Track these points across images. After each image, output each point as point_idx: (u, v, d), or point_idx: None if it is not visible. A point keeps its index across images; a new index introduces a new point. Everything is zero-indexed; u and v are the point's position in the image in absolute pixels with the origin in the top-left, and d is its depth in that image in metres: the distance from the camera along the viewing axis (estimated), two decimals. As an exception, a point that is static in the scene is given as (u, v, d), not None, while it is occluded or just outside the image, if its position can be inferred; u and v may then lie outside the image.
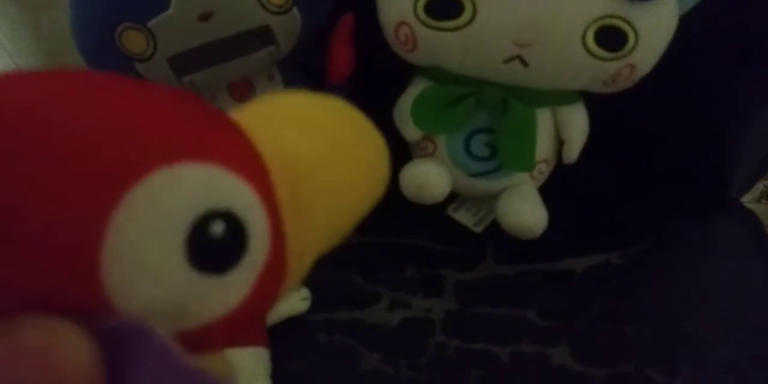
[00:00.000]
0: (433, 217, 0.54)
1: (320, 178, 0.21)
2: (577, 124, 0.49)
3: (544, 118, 0.48)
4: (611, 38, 0.41)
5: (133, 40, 0.43)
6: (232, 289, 0.16)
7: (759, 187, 0.86)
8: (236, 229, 0.16)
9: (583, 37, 0.41)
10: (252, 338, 0.46)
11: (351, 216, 0.24)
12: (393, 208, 0.55)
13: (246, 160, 0.17)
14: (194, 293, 0.15)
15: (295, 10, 0.46)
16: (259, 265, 0.17)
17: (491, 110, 0.48)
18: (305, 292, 0.49)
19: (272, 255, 0.17)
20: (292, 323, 0.49)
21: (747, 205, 0.60)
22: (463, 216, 0.55)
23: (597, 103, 0.49)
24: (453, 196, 0.53)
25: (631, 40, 0.42)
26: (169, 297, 0.15)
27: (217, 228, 0.15)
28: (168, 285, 0.15)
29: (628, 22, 0.41)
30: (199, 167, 0.16)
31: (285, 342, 0.48)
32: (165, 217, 0.15)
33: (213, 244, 0.15)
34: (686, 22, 0.43)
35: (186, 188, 0.15)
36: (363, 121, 0.24)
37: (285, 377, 0.46)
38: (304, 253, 0.21)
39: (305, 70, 0.54)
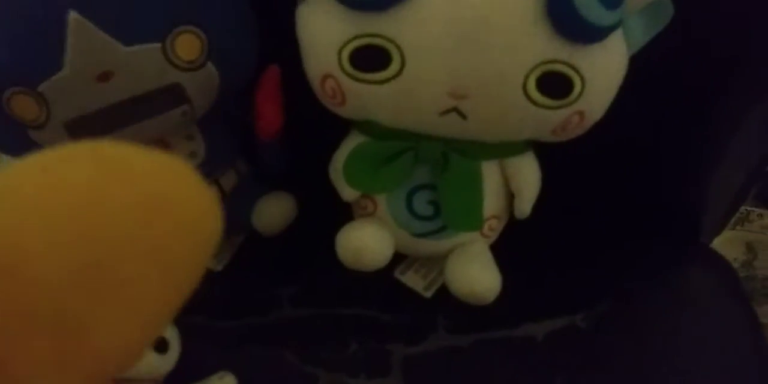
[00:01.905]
0: (378, 280, 0.49)
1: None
2: (527, 176, 0.45)
3: (490, 170, 0.44)
4: (555, 85, 0.38)
5: (23, 106, 0.38)
6: None
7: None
8: None
9: (524, 85, 0.37)
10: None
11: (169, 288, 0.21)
12: (333, 273, 0.51)
13: None
14: None
15: (209, 65, 0.42)
16: None
17: (432, 165, 0.43)
18: (229, 380, 0.44)
19: None
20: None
21: (724, 232, 0.56)
22: (411, 279, 0.50)
23: (548, 150, 0.45)
24: (400, 257, 0.48)
25: (578, 86, 0.38)
26: None
27: None
28: None
29: (572, 67, 0.37)
30: None
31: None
32: None
33: None
34: (640, 61, 0.40)
35: None
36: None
37: None
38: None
39: (230, 127, 0.49)
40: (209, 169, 0.48)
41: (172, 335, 0.43)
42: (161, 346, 0.41)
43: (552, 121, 0.39)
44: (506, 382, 0.43)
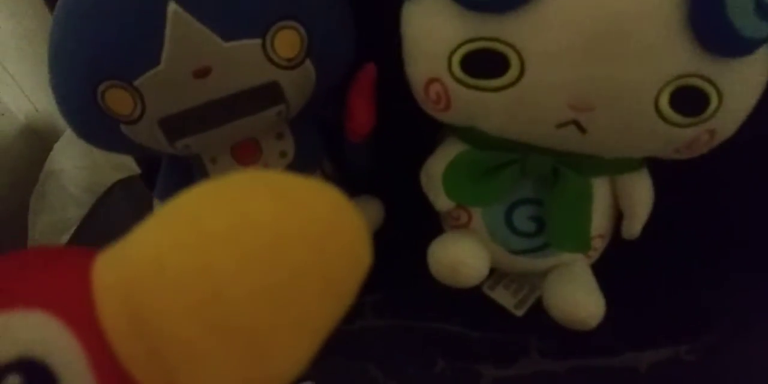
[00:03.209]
0: (465, 294, 0.47)
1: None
2: (640, 194, 0.42)
3: (601, 188, 0.41)
4: (690, 101, 0.34)
5: (118, 100, 0.37)
6: None
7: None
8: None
9: (656, 100, 0.34)
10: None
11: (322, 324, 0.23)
12: (418, 283, 0.49)
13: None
14: None
15: (307, 62, 0.39)
16: None
17: (539, 180, 0.40)
18: (315, 392, 0.42)
19: None
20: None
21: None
22: (501, 295, 0.47)
23: (661, 166, 0.41)
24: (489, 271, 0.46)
25: (713, 103, 0.34)
26: None
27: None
28: None
29: (711, 82, 0.34)
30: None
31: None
32: None
33: None
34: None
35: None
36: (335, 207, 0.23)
37: None
38: None
39: (320, 128, 0.47)
40: (297, 169, 0.46)
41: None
42: None
43: (679, 139, 0.36)
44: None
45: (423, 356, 0.44)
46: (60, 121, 0.58)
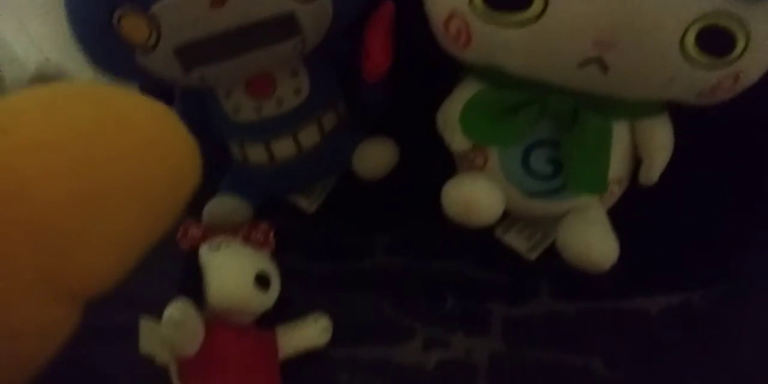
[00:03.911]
0: (477, 239, 0.47)
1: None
2: (661, 140, 0.41)
3: (620, 132, 0.40)
4: (717, 41, 0.33)
5: (134, 28, 0.36)
6: None
7: None
8: None
9: (682, 38, 0.33)
10: (261, 378, 0.40)
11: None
12: (429, 225, 0.48)
13: None
14: None
15: (325, -5, 0.39)
16: None
17: (558, 121, 0.40)
18: (325, 322, 0.43)
19: None
20: (308, 359, 0.42)
21: None
22: (514, 240, 0.47)
23: (681, 112, 0.40)
24: (502, 216, 0.45)
25: (740, 45, 0.33)
26: None
27: None
28: None
29: (740, 22, 0.32)
30: None
31: (300, 381, 0.41)
32: None
33: None
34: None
35: None
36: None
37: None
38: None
39: (335, 66, 0.47)
40: (311, 107, 0.46)
41: (273, 273, 0.42)
42: (263, 283, 0.40)
43: (703, 81, 0.35)
44: (615, 353, 0.40)
45: (433, 294, 0.45)
46: (69, 71, 0.57)
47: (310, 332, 0.42)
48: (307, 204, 0.51)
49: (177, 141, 0.24)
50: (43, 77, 0.77)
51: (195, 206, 0.48)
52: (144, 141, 0.23)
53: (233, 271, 0.40)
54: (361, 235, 0.48)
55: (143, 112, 0.24)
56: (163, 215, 0.25)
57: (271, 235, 0.44)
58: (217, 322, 0.40)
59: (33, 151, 0.21)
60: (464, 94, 0.41)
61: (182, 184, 0.25)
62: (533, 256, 0.46)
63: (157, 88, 0.51)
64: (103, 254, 0.23)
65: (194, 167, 0.25)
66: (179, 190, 0.25)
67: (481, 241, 0.47)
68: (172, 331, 0.37)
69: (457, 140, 0.42)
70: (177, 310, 0.37)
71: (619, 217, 0.42)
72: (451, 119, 0.42)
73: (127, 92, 0.24)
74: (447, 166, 0.46)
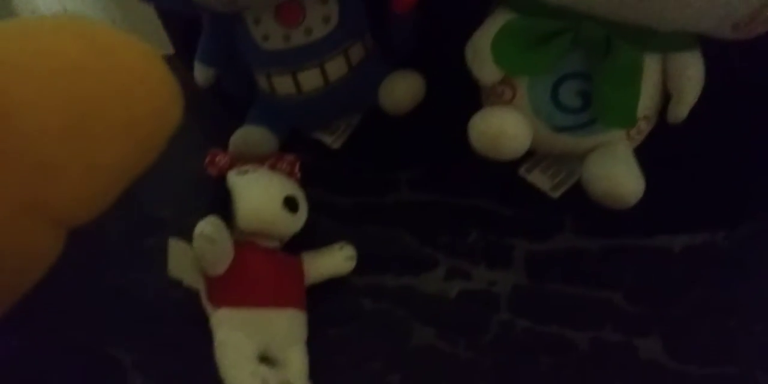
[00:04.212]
0: (501, 177, 0.47)
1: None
2: (691, 76, 0.40)
3: (652, 65, 0.40)
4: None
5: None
6: None
7: None
8: None
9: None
10: (288, 299, 0.40)
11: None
12: (454, 161, 0.49)
13: None
14: None
15: None
16: None
17: (589, 51, 0.40)
18: (350, 251, 0.43)
19: None
20: (333, 285, 0.43)
21: None
22: (538, 178, 0.47)
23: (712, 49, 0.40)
24: (526, 154, 0.45)
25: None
26: None
27: None
28: None
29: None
30: None
31: (325, 306, 0.42)
32: None
33: None
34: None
35: None
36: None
37: (323, 344, 0.40)
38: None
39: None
40: (339, 37, 0.46)
41: (301, 198, 0.42)
42: (292, 206, 0.40)
43: (740, 11, 0.35)
44: (637, 288, 0.40)
45: (457, 227, 0.45)
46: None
47: (335, 259, 0.43)
48: (332, 140, 0.51)
49: (162, 81, 0.25)
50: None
51: (221, 137, 0.48)
52: (130, 79, 0.24)
53: (262, 192, 0.40)
54: (385, 172, 0.49)
55: (131, 51, 0.24)
56: (145, 151, 0.25)
57: (297, 166, 0.44)
58: (246, 244, 0.40)
59: (21, 80, 0.22)
60: (495, 24, 0.41)
61: (165, 123, 0.26)
62: (557, 194, 0.46)
63: (183, 16, 0.51)
64: (88, 187, 0.24)
65: (177, 107, 0.26)
66: (160, 124, 0.25)
67: (505, 179, 0.47)
68: (203, 244, 0.37)
69: (486, 72, 0.42)
70: (209, 224, 0.37)
71: (645, 155, 0.42)
72: (481, 50, 0.42)
73: (116, 30, 0.24)
74: (472, 102, 0.46)
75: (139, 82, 0.24)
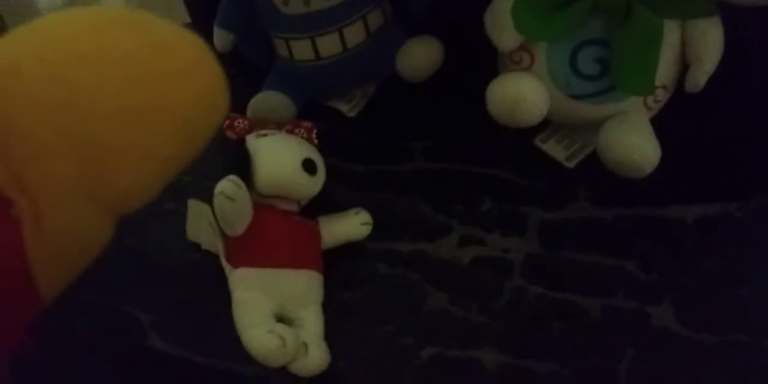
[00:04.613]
0: (516, 146, 0.47)
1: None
2: (711, 43, 0.40)
3: (671, 33, 0.40)
4: None
5: None
6: None
7: None
8: None
9: None
10: (305, 260, 0.41)
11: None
12: (468, 131, 0.49)
13: None
14: None
15: None
16: None
17: (608, 17, 0.39)
18: (365, 216, 0.43)
19: None
20: (349, 250, 0.43)
21: None
22: (552, 148, 0.47)
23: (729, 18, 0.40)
24: (542, 124, 0.45)
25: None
26: None
27: None
28: None
29: None
30: None
31: (340, 270, 0.43)
32: None
33: None
34: None
35: None
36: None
37: (338, 307, 0.41)
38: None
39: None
40: (359, 3, 0.46)
41: (319, 160, 0.42)
42: (311, 168, 0.41)
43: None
44: (650, 257, 0.41)
45: (471, 196, 0.45)
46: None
47: (351, 224, 0.43)
48: (348, 109, 0.51)
49: (213, 74, 0.26)
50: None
51: (239, 102, 0.48)
52: (180, 67, 0.24)
53: (281, 152, 0.41)
54: (400, 141, 0.49)
55: (181, 42, 0.25)
56: (194, 139, 0.26)
57: (314, 132, 0.45)
58: (264, 207, 0.40)
59: (82, 63, 0.23)
60: (515, -9, 0.41)
61: (212, 111, 0.26)
62: (572, 164, 0.46)
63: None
64: (139, 172, 0.25)
65: (224, 97, 0.26)
66: (209, 117, 0.26)
67: (519, 149, 0.47)
68: (223, 202, 0.37)
69: (505, 38, 0.42)
70: (229, 182, 0.37)
71: (661, 126, 0.42)
72: (500, 16, 0.41)
73: (171, 25, 0.25)
74: (488, 71, 0.46)
75: (187, 71, 0.25)
